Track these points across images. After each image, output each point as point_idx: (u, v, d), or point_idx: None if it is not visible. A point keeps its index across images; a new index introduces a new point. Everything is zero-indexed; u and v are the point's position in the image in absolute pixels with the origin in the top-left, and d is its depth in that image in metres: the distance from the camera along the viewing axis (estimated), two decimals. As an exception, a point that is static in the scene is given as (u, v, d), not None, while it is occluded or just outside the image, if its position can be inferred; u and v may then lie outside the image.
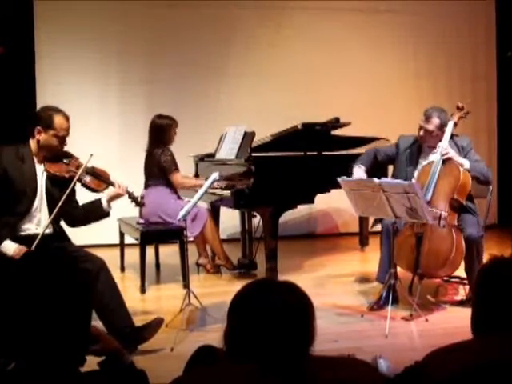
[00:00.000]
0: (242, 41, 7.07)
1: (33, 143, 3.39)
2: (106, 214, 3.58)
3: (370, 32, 7.28)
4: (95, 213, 3.56)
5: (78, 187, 3.52)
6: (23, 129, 3.51)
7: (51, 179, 3.42)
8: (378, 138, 5.59)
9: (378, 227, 4.52)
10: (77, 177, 3.37)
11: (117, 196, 3.54)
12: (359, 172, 4.28)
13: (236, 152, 5.12)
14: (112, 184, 3.53)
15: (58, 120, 3.35)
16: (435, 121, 4.17)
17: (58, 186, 3.41)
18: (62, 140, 3.39)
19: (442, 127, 4.17)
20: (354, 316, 4.07)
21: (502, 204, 7.56)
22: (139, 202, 3.72)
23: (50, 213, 3.38)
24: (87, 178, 3.47)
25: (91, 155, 3.41)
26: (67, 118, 3.40)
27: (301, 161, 5.16)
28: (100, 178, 3.51)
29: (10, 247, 3.25)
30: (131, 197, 3.63)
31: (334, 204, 6.75)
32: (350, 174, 4.25)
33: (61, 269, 1.47)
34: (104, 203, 3.52)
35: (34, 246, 3.23)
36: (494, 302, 1.60)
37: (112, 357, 1.66)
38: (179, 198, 5.11)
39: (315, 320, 1.48)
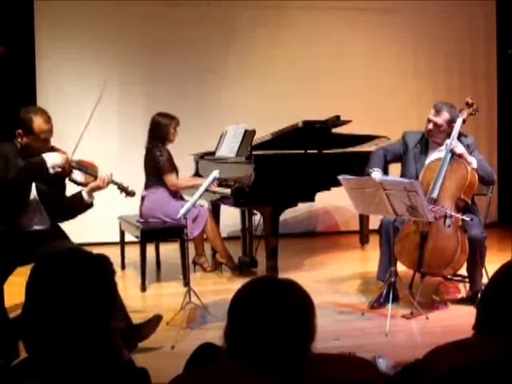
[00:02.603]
0: (242, 41, 7.05)
1: (18, 143, 3.46)
2: (89, 205, 3.66)
3: (370, 31, 7.26)
4: (78, 205, 3.64)
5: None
6: (9, 128, 3.56)
7: None
8: (378, 136, 5.59)
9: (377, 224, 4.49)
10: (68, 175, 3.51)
11: (97, 188, 3.61)
12: (379, 176, 4.08)
13: (236, 150, 5.12)
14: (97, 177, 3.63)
15: (37, 125, 3.37)
16: (445, 115, 4.15)
17: (47, 182, 3.49)
18: (45, 141, 3.43)
19: (450, 123, 4.15)
20: (355, 314, 4.07)
21: (502, 202, 7.55)
22: (129, 192, 3.78)
23: (45, 209, 3.50)
24: (75, 174, 3.57)
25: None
26: (47, 120, 3.41)
27: (301, 159, 5.16)
28: (87, 172, 3.60)
29: (52, 156, 3.35)
30: (120, 187, 3.74)
31: (335, 202, 6.73)
32: (358, 175, 4.18)
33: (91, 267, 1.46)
34: (85, 196, 3.61)
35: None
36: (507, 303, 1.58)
37: (110, 352, 1.65)
38: (182, 198, 5.10)
39: (316, 318, 1.48)
